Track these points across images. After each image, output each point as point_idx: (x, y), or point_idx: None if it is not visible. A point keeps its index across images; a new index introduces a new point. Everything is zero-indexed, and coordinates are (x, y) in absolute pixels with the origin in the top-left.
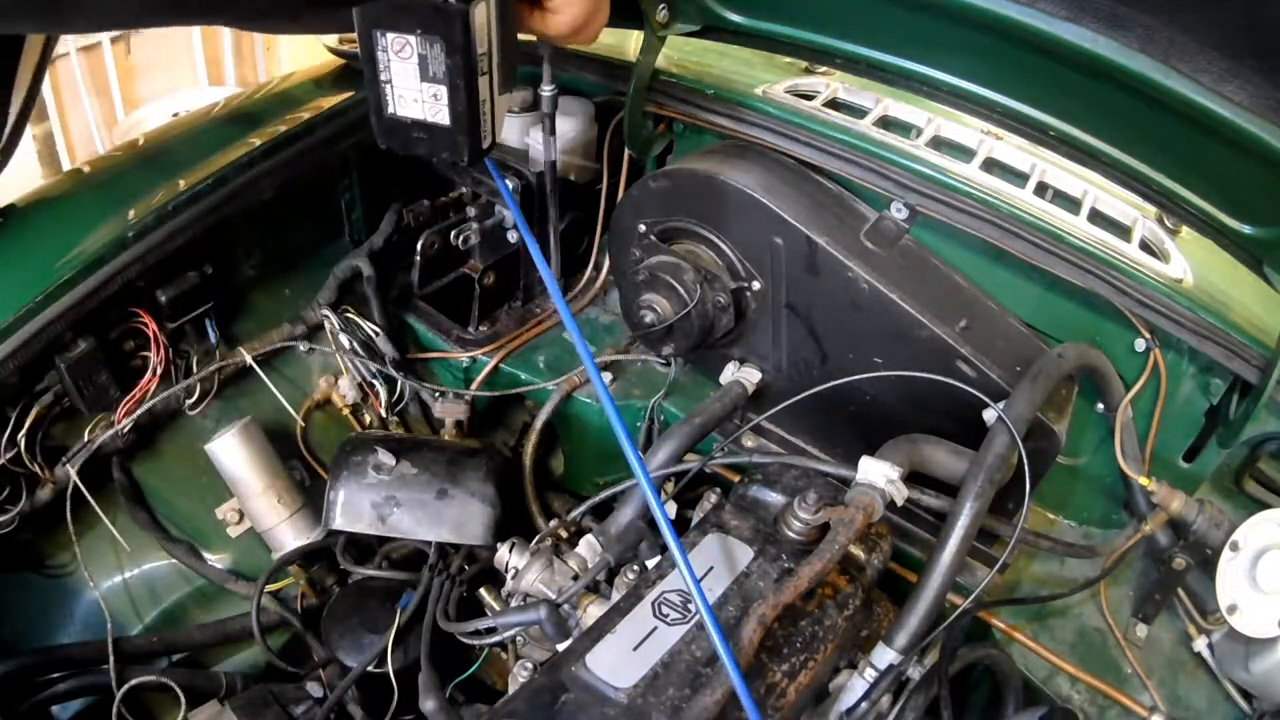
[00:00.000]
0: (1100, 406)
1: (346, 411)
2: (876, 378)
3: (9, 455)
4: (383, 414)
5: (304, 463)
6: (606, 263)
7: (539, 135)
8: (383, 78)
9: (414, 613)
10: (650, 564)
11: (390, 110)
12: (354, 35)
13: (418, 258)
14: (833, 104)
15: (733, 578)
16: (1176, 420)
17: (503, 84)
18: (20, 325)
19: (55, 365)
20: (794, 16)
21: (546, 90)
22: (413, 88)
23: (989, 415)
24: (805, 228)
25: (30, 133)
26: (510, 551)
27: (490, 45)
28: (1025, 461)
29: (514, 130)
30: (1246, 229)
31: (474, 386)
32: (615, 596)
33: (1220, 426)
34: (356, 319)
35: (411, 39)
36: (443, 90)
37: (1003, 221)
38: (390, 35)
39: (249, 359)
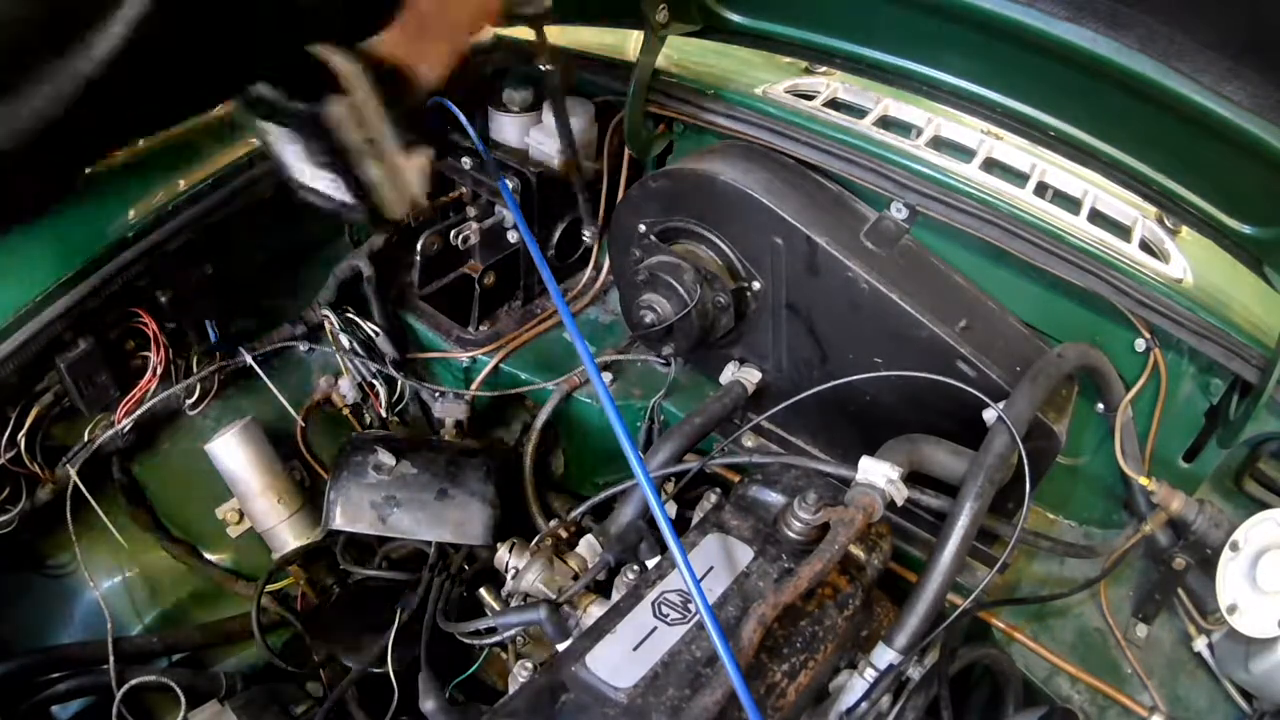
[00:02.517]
0: (1100, 406)
1: (346, 411)
2: (876, 378)
3: (9, 455)
4: (383, 414)
5: (304, 463)
6: (606, 263)
7: (539, 135)
8: (283, 159)
9: (414, 613)
10: (650, 564)
11: (299, 180)
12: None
13: (418, 257)
14: (833, 104)
15: (733, 578)
16: (1176, 420)
17: (410, 149)
18: (20, 325)
19: (55, 365)
20: (794, 16)
21: None
22: (308, 171)
23: (989, 415)
24: (805, 228)
25: None
26: (510, 551)
27: (371, 128)
28: (1025, 461)
29: (514, 130)
30: (1246, 229)
31: (474, 386)
32: (615, 596)
33: (1220, 426)
34: (356, 319)
35: (286, 133)
36: (330, 176)
37: (1003, 221)
38: (275, 129)
39: (249, 359)
